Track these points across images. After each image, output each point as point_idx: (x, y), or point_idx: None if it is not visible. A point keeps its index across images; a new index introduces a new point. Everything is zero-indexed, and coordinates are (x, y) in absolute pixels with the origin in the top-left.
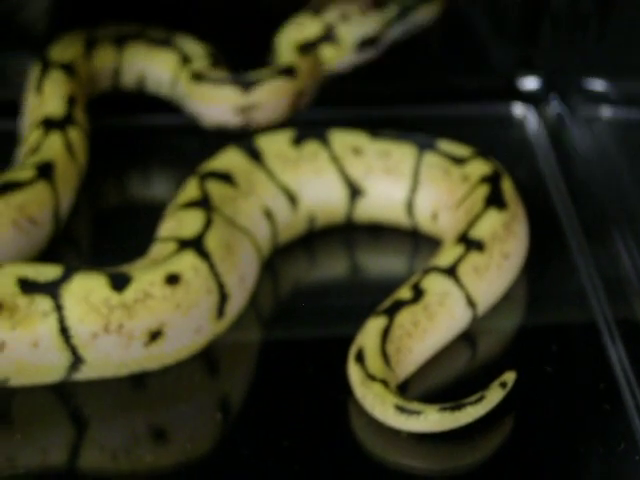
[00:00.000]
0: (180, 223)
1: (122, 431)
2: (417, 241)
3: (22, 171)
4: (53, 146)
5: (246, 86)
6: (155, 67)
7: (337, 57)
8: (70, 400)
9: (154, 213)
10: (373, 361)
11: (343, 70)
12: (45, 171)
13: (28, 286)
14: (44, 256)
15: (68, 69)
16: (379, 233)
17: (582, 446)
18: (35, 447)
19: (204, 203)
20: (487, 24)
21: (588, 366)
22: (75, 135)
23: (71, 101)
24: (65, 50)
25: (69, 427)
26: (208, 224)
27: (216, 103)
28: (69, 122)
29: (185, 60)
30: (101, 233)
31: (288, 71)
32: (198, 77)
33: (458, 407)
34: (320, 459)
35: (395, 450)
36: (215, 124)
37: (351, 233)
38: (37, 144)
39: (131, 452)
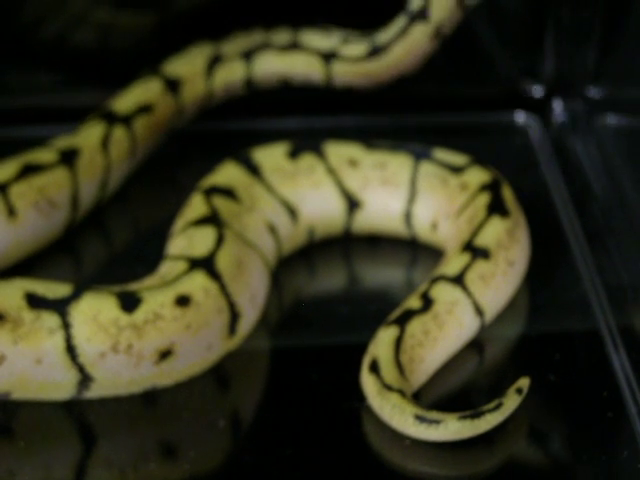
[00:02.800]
0: (191, 241)
1: (130, 447)
2: (416, 251)
3: (46, 153)
4: (90, 135)
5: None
6: (298, 70)
7: None
8: (77, 414)
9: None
10: (388, 371)
11: None
12: (68, 157)
13: (36, 301)
14: (50, 263)
15: (171, 84)
16: (378, 243)
17: (585, 454)
18: (39, 462)
19: (214, 219)
20: (491, 32)
21: (591, 374)
22: (120, 134)
23: (142, 109)
24: (181, 65)
25: (75, 442)
26: (220, 241)
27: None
28: (123, 121)
29: (326, 57)
30: (106, 247)
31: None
32: (372, 53)
33: (477, 415)
34: (330, 468)
35: (399, 455)
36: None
37: (350, 244)
38: (82, 127)
39: (139, 468)
